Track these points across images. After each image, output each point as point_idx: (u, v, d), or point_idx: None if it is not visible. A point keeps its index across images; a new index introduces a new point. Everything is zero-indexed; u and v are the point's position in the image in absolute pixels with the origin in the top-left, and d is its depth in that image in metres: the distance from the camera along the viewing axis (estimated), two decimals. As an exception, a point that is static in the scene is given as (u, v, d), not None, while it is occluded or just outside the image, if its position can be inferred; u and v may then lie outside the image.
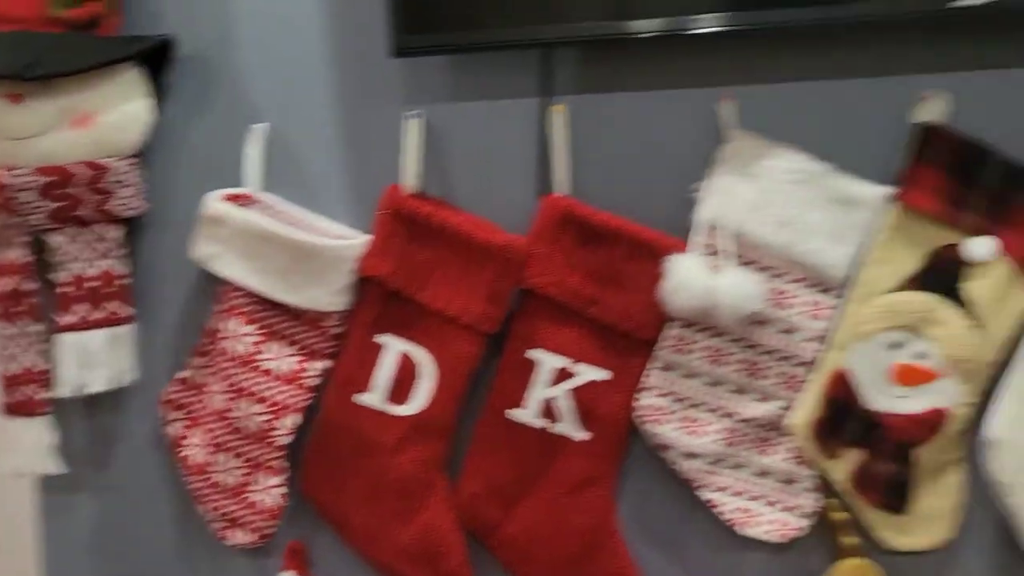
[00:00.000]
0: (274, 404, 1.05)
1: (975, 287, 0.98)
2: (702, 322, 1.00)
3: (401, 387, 1.05)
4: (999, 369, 0.98)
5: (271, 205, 1.07)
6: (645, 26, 0.96)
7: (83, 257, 1.04)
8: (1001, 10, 0.90)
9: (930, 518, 1.01)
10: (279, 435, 1.05)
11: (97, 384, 1.05)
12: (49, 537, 1.16)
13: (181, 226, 1.08)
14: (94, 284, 1.05)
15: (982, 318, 0.98)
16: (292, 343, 1.06)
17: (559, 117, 1.03)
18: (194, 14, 1.07)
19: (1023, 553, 0.99)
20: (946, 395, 0.99)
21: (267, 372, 1.05)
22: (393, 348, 1.05)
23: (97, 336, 1.05)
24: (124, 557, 1.14)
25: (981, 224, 0.97)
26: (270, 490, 1.06)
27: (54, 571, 1.16)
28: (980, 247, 0.97)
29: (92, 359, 1.05)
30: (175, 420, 1.09)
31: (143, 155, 1.06)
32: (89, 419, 1.13)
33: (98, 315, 1.05)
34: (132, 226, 1.08)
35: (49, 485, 1.14)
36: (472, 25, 0.99)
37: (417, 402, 1.05)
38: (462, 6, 0.98)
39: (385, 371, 1.05)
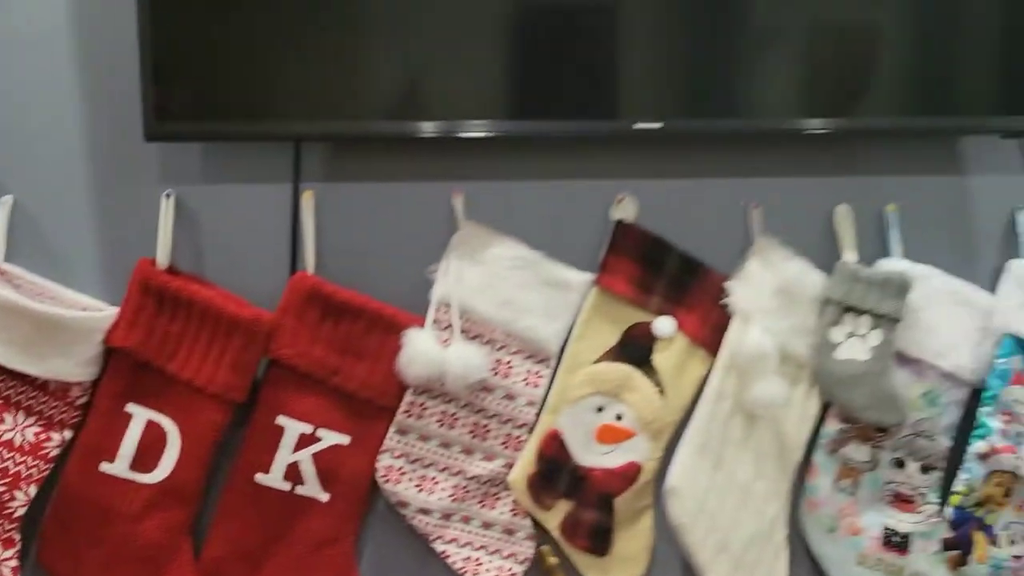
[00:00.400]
0: (10, 475, 1.04)
1: (660, 359, 1.16)
2: (434, 390, 1.11)
3: (147, 455, 1.07)
4: (680, 427, 1.18)
5: (16, 276, 1.07)
6: (387, 128, 1.07)
7: None
8: (674, 132, 1.10)
9: (627, 558, 1.16)
10: (15, 506, 1.04)
11: None
12: None
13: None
14: None
15: (666, 385, 1.16)
16: (33, 413, 1.05)
17: (308, 202, 1.11)
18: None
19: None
20: (639, 451, 1.15)
21: (6, 443, 1.04)
22: (140, 417, 1.07)
23: None
24: None
25: (664, 305, 1.16)
26: (4, 563, 1.05)
27: None
28: (663, 325, 1.16)
29: None
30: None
31: None
32: None
33: None
34: None
35: None
36: (226, 115, 1.06)
37: (163, 470, 1.07)
38: (214, 97, 1.05)
39: (131, 440, 1.07)
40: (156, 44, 1.02)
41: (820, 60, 1.09)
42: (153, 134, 1.03)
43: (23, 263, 1.09)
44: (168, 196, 1.09)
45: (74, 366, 1.04)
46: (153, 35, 1.02)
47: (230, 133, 1.07)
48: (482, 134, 1.07)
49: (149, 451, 1.07)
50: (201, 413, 1.07)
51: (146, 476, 1.07)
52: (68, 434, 1.06)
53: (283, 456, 1.09)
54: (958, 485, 1.14)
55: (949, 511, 1.14)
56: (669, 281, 1.15)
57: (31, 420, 1.05)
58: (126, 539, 1.07)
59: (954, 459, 1.16)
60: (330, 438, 1.10)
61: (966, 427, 1.16)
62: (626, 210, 1.15)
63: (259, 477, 1.09)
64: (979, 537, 1.14)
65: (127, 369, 1.07)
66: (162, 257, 1.08)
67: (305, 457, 1.09)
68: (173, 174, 1.10)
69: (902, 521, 1.15)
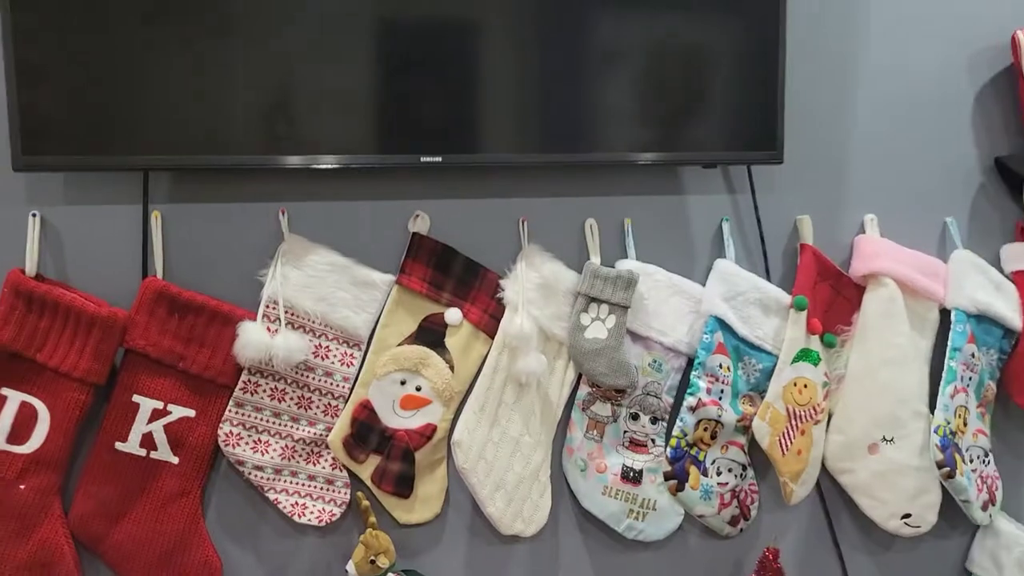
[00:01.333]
0: None
1: (450, 341, 1.41)
2: (265, 369, 1.32)
3: (21, 430, 1.24)
4: (465, 395, 1.42)
5: None
6: (218, 160, 1.26)
7: None
8: (452, 164, 1.32)
9: (427, 499, 1.40)
10: None
11: None
12: None
13: None
14: None
15: (455, 362, 1.41)
16: None
17: (156, 221, 1.30)
18: None
19: (486, 520, 1.42)
20: (434, 415, 1.40)
21: None
22: (14, 398, 1.24)
23: None
24: None
25: (452, 299, 1.40)
26: None
27: None
28: (452, 315, 1.41)
29: None
30: None
31: None
32: None
33: None
34: None
35: None
36: (84, 149, 1.23)
37: (34, 442, 1.25)
38: (74, 133, 1.21)
39: (6, 417, 1.23)
40: (20, 88, 1.19)
41: (565, 106, 1.36)
42: (19, 165, 1.21)
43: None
44: (34, 216, 1.27)
45: (-45, 357, 1.22)
46: (18, 81, 1.19)
47: (87, 164, 1.24)
48: (300, 165, 1.29)
49: (22, 427, 1.24)
50: (66, 394, 1.25)
51: (20, 447, 1.24)
52: (-51, 416, 1.24)
53: (139, 427, 1.28)
54: (675, 431, 1.44)
55: (669, 451, 1.45)
56: (456, 280, 1.40)
57: (-84, 404, 1.22)
58: (4, 500, 1.23)
59: (674, 413, 1.48)
60: (178, 411, 1.30)
61: (683, 387, 1.47)
62: (420, 224, 1.39)
63: (118, 445, 1.28)
64: (692, 470, 1.45)
65: (2, 359, 1.23)
66: (30, 266, 1.26)
67: (157, 428, 1.29)
68: (38, 197, 1.27)
69: (636, 460, 1.44)
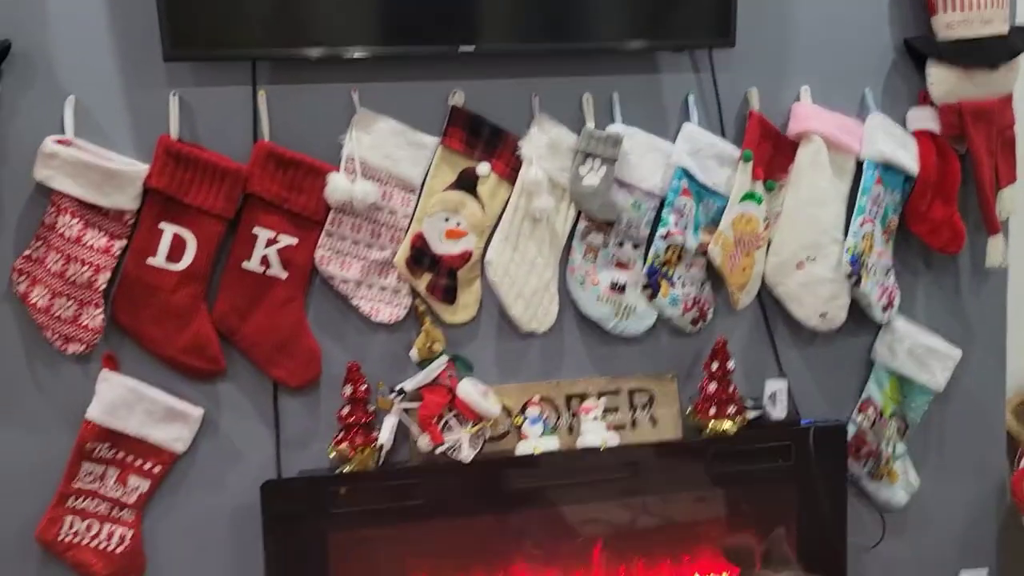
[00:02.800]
0: (95, 266, 1.62)
1: (481, 189, 1.81)
2: (347, 209, 1.73)
3: (175, 253, 1.67)
4: (493, 229, 1.82)
5: (83, 146, 1.62)
6: (308, 51, 1.64)
7: (-43, 179, 1.53)
8: (483, 52, 1.71)
9: (465, 306, 1.83)
10: (99, 284, 1.63)
11: (-29, 259, 1.55)
12: None
13: (21, 160, 1.59)
14: (-36, 196, 1.54)
15: (485, 204, 1.82)
16: (102, 230, 1.63)
17: (262, 98, 1.69)
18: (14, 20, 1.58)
19: (510, 320, 1.85)
20: (470, 244, 1.81)
21: (90, 247, 1.61)
22: (169, 230, 1.66)
23: (-31, 229, 1.55)
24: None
25: (482, 156, 1.80)
26: (94, 317, 1.63)
27: None
28: (482, 168, 1.80)
29: (-33, 244, 1.54)
30: (20, 282, 1.61)
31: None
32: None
33: (-32, 216, 1.54)
34: (-14, 160, 1.58)
35: None
36: (211, 43, 1.61)
37: (185, 261, 1.67)
38: (201, 32, 1.60)
39: (164, 244, 1.66)
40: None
41: (566, 4, 1.72)
42: (168, 56, 1.59)
43: (84, 138, 1.63)
44: (174, 95, 1.66)
45: (126, 199, 1.62)
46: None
47: (212, 55, 1.64)
48: (367, 54, 1.67)
49: (176, 251, 1.66)
50: (207, 226, 1.67)
51: (175, 266, 1.67)
52: (123, 242, 1.65)
53: (258, 251, 1.70)
54: (651, 254, 1.86)
55: (646, 269, 1.87)
56: (485, 141, 1.79)
57: (101, 234, 1.63)
58: (166, 303, 1.67)
59: (650, 240, 1.89)
60: (285, 240, 1.71)
61: (656, 221, 1.87)
62: (457, 99, 1.78)
63: (244, 264, 1.71)
64: (663, 283, 1.87)
65: (159, 201, 1.65)
66: (174, 133, 1.65)
67: (271, 251, 1.71)
68: (176, 81, 1.66)
69: (621, 276, 1.86)
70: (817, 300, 1.92)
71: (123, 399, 1.68)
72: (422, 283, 1.80)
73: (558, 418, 1.88)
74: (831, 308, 1.93)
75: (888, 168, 1.92)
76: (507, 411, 1.85)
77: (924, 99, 1.95)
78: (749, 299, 1.92)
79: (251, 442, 1.77)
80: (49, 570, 1.70)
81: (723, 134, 1.89)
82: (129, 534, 1.71)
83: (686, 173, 1.84)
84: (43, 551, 1.68)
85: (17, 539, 1.68)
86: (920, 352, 1.99)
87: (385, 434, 1.75)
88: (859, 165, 1.93)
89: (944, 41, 1.91)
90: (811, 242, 1.90)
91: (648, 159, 1.84)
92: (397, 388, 1.76)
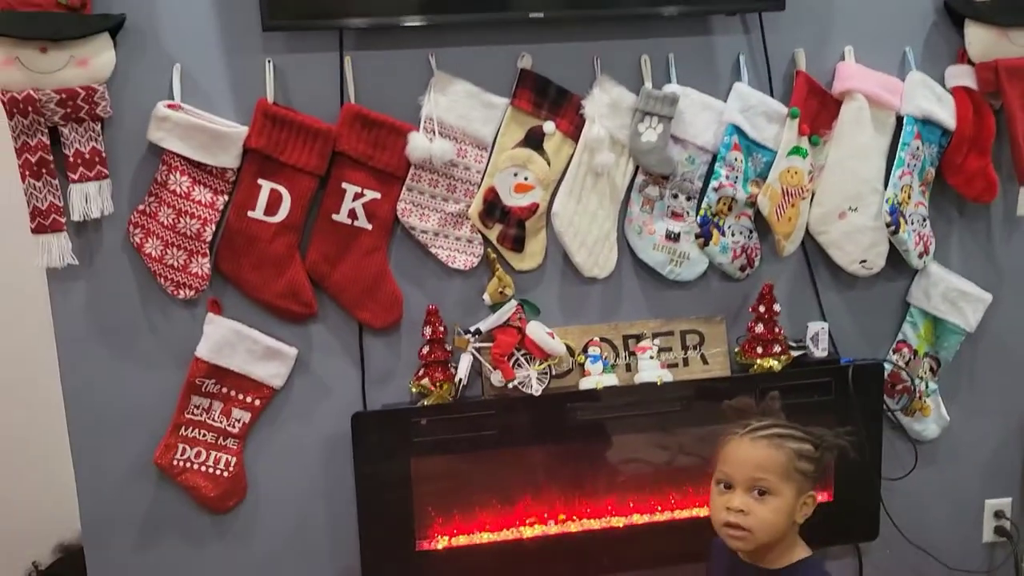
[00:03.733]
0: (202, 219, 1.77)
1: (547, 145, 1.93)
2: (426, 166, 1.86)
3: (272, 207, 1.81)
4: (558, 183, 1.95)
5: (189, 110, 1.77)
6: (388, 20, 1.77)
7: (81, 140, 1.67)
8: (550, 19, 1.83)
9: (533, 254, 1.97)
10: (206, 235, 1.78)
11: (94, 213, 1.70)
12: (57, 309, 1.79)
13: (135, 123, 1.74)
14: (87, 156, 1.69)
15: (551, 160, 1.94)
16: (208, 186, 1.78)
17: (348, 63, 1.82)
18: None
19: (573, 267, 1.99)
20: (537, 197, 1.94)
21: (198, 201, 1.76)
22: (266, 186, 1.80)
23: (92, 186, 1.70)
24: (108, 313, 1.81)
25: (548, 115, 1.92)
26: (202, 266, 1.79)
27: (63, 325, 1.79)
28: (548, 127, 1.93)
29: (91, 199, 1.69)
30: (136, 233, 1.77)
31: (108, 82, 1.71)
32: (83, 235, 1.77)
33: (91, 173, 1.69)
34: (105, 123, 1.72)
35: (59, 275, 1.75)
36: (302, 14, 1.74)
37: (282, 214, 1.82)
38: (294, 4, 1.73)
39: (263, 199, 1.81)
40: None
41: None
42: (267, 26, 1.72)
43: (189, 103, 1.78)
44: (269, 62, 1.79)
45: (229, 158, 1.77)
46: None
47: (303, 25, 1.77)
48: (442, 22, 1.79)
49: (273, 205, 1.81)
50: (301, 182, 1.81)
51: (273, 218, 1.82)
52: (226, 198, 1.80)
53: (346, 204, 1.85)
54: (703, 205, 1.99)
55: (698, 219, 1.99)
56: (551, 102, 1.91)
57: (207, 190, 1.78)
58: (264, 252, 1.82)
59: (702, 192, 2.01)
60: (370, 194, 1.86)
61: (709, 175, 1.99)
62: (526, 62, 1.90)
63: (333, 216, 1.85)
64: (715, 232, 2.00)
65: (258, 160, 1.79)
66: (269, 96, 1.79)
67: (358, 205, 1.85)
68: (270, 48, 1.80)
69: (675, 226, 2.00)
70: (858, 247, 2.04)
71: (227, 339, 1.84)
72: (493, 233, 1.94)
73: (616, 357, 2.03)
74: (871, 255, 2.05)
75: (927, 123, 2.02)
76: (570, 350, 2.00)
77: (962, 58, 2.05)
78: (794, 247, 2.04)
79: (339, 379, 1.94)
80: (165, 491, 1.89)
81: (771, 93, 1.99)
82: (233, 460, 1.89)
83: (737, 129, 1.95)
84: (159, 474, 1.87)
85: (138, 463, 1.87)
86: (953, 295, 2.11)
87: (462, 370, 1.91)
88: (899, 121, 2.03)
89: (982, 2, 2.00)
90: (853, 193, 2.02)
91: (702, 117, 1.96)
92: (472, 329, 1.92)
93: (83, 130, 1.68)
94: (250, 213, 1.80)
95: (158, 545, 1.90)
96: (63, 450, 1.85)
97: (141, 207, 1.77)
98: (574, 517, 2.02)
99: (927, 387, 2.16)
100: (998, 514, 2.29)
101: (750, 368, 2.02)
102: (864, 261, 2.05)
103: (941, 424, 2.19)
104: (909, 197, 2.04)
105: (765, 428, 1.56)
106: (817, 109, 2.00)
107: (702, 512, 2.02)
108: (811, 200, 2.03)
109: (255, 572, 1.96)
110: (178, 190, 1.75)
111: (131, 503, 1.88)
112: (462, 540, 1.97)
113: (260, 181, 1.80)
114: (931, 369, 2.17)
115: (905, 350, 2.14)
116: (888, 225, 2.01)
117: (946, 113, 2.03)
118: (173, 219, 1.76)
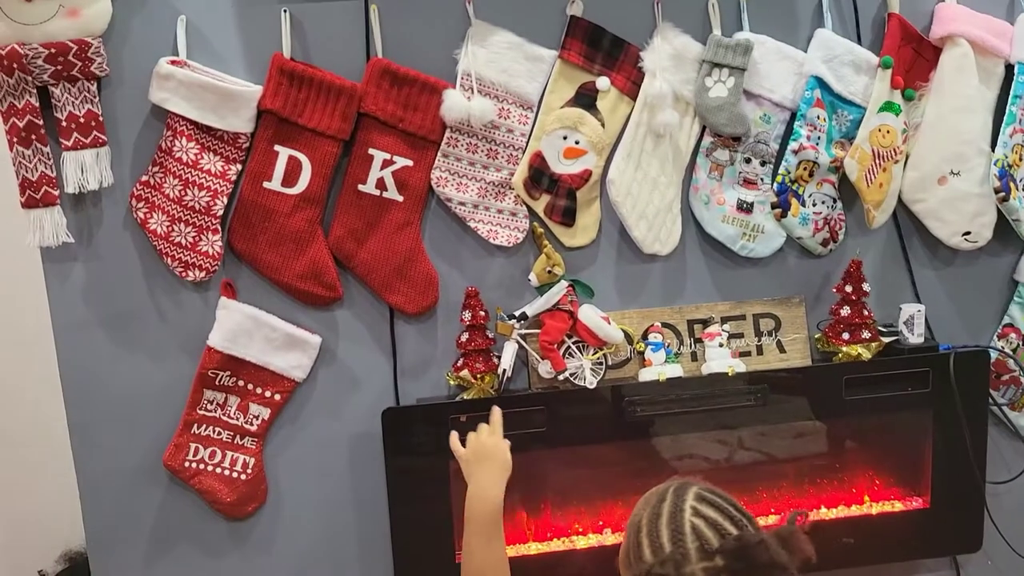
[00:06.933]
0: (212, 190, 1.58)
1: (601, 104, 1.71)
2: (463, 128, 1.66)
3: (291, 176, 1.62)
4: (614, 147, 1.73)
5: (197, 67, 1.57)
6: None
7: (74, 102, 1.49)
8: None
9: (585, 228, 1.75)
10: (217, 209, 1.59)
11: (91, 184, 1.52)
12: (53, 294, 1.61)
13: (136, 82, 1.55)
14: (82, 120, 1.50)
15: (605, 120, 1.72)
16: (218, 153, 1.59)
17: (374, 13, 1.61)
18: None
19: (631, 243, 1.76)
20: (590, 163, 1.73)
21: (207, 171, 1.57)
22: (284, 153, 1.61)
23: (88, 154, 1.51)
24: (110, 298, 1.63)
25: (602, 70, 1.70)
26: (213, 244, 1.60)
27: (60, 312, 1.61)
28: (602, 82, 1.71)
29: (87, 168, 1.51)
30: (139, 208, 1.58)
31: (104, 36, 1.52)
32: (80, 210, 1.59)
33: (87, 140, 1.51)
34: (102, 83, 1.54)
35: (54, 255, 1.58)
36: None
37: (301, 185, 1.62)
38: None
39: (280, 167, 1.61)
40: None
41: None
42: (280, -30, 1.52)
43: (195, 59, 1.58)
44: (285, 11, 1.59)
45: (241, 122, 1.57)
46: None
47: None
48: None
49: (291, 174, 1.61)
50: (323, 148, 1.61)
51: (291, 189, 1.62)
52: (239, 167, 1.60)
53: (374, 173, 1.64)
54: (780, 170, 1.75)
55: (775, 186, 1.76)
56: (605, 54, 1.69)
57: (217, 158, 1.58)
58: (283, 228, 1.63)
59: (779, 156, 1.77)
60: (401, 161, 1.65)
61: (786, 136, 1.76)
62: (576, 8, 1.68)
63: (360, 187, 1.65)
64: (793, 201, 1.76)
65: (274, 123, 1.59)
66: (286, 51, 1.59)
67: (387, 173, 1.65)
68: (287, -3, 1.61)
69: (748, 195, 1.76)
70: (960, 217, 1.78)
71: (243, 327, 1.65)
72: (540, 205, 1.72)
73: (681, 344, 1.80)
74: (975, 226, 1.79)
75: (1041, 72, 1.77)
76: (628, 337, 1.77)
77: (1083, -5, 1.78)
78: (885, 217, 1.79)
79: (368, 370, 1.73)
80: (176, 495, 1.70)
81: (859, 40, 1.74)
82: (252, 461, 1.70)
83: (819, 82, 1.70)
84: (170, 477, 1.68)
85: (146, 465, 1.68)
86: (1070, 272, 1.85)
87: (507, 360, 1.69)
88: (1008, 69, 1.76)
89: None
90: (955, 154, 1.75)
91: (779, 68, 1.71)
92: (518, 313, 1.70)
93: (77, 91, 1.49)
94: (266, 184, 1.60)
95: (170, 554, 1.71)
96: (68, 451, 1.68)
97: (144, 178, 1.58)
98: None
99: (1037, 378, 1.91)
100: (1116, 522, 2.03)
101: (834, 356, 1.78)
102: (967, 233, 1.79)
103: (1053, 420, 1.94)
104: (1021, 159, 1.77)
105: None
106: (913, 58, 1.74)
107: (771, 519, 1.81)
108: (905, 164, 1.78)
109: (278, 584, 1.79)
110: (185, 158, 1.56)
111: (139, 509, 1.69)
112: (507, 551, 1.77)
113: (277, 147, 1.60)
114: (1042, 357, 1.91)
115: (1013, 335, 1.87)
116: (997, 191, 1.74)
117: (1064, 60, 1.77)
118: (180, 191, 1.57)
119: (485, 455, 1.49)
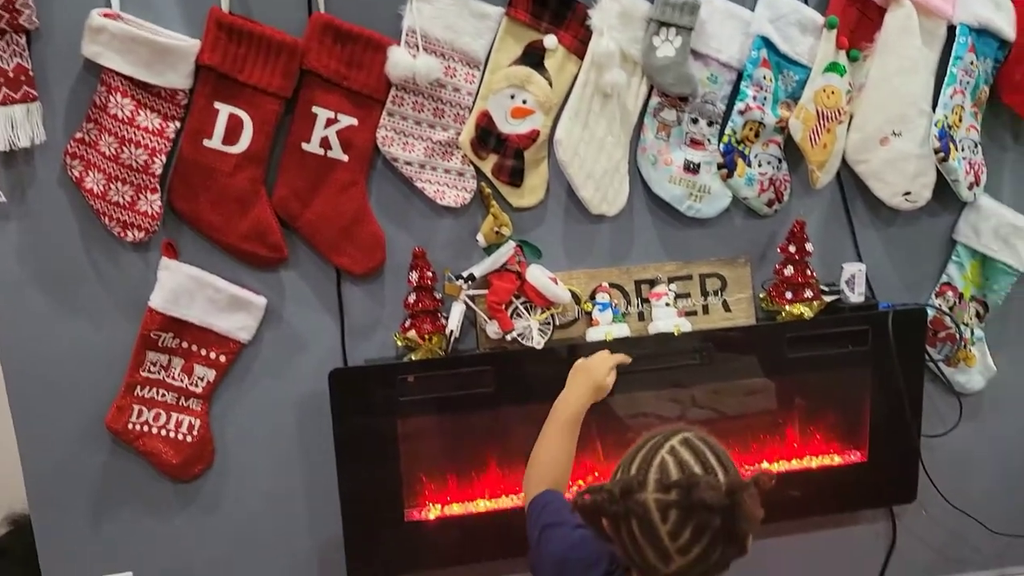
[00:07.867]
0: (149, 148, 1.53)
1: (549, 63, 1.69)
2: (409, 86, 1.62)
3: (232, 135, 1.57)
4: (561, 106, 1.71)
5: (130, 20, 1.51)
6: None
7: (2, 56, 1.43)
8: None
9: (533, 189, 1.73)
10: (155, 168, 1.54)
11: (23, 141, 1.46)
12: None
13: (67, 36, 1.48)
14: (11, 75, 1.44)
15: (553, 79, 1.70)
16: (155, 110, 1.54)
17: None
18: None
19: (578, 203, 1.75)
20: (538, 122, 1.70)
21: (144, 128, 1.52)
22: (224, 110, 1.56)
23: (18, 109, 1.45)
24: (46, 258, 1.58)
25: (550, 28, 1.67)
26: (152, 203, 1.56)
27: None
28: (550, 41, 1.68)
29: (17, 124, 1.45)
30: (74, 165, 1.53)
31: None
32: (12, 168, 1.53)
33: (16, 95, 1.45)
34: (31, 36, 1.47)
35: None
36: None
37: (243, 144, 1.58)
38: None
39: (220, 125, 1.56)
40: None
41: None
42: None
43: (129, 11, 1.51)
44: (223, -36, 1.54)
45: (179, 78, 1.52)
46: None
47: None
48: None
49: (232, 132, 1.57)
50: (264, 105, 1.56)
51: (233, 148, 1.57)
52: (177, 124, 1.55)
53: (318, 132, 1.60)
54: (727, 130, 1.74)
55: (721, 147, 1.75)
56: (552, 12, 1.66)
57: (154, 115, 1.53)
58: (225, 187, 1.59)
59: (726, 117, 1.77)
60: (345, 120, 1.61)
61: (733, 96, 1.75)
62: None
63: (304, 145, 1.61)
64: (739, 162, 1.76)
65: (212, 79, 1.54)
66: (225, 4, 1.53)
67: (331, 132, 1.61)
68: (224, -52, 1.54)
69: (695, 155, 1.75)
70: (902, 178, 1.80)
71: (185, 287, 1.61)
72: (488, 165, 1.70)
73: (628, 304, 1.81)
74: (916, 186, 1.81)
75: (982, 33, 1.76)
76: (576, 297, 1.77)
77: (1023, -40, 1.79)
78: (828, 178, 1.80)
79: (315, 331, 1.71)
80: (120, 457, 1.68)
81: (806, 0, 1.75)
82: (197, 423, 1.67)
83: (766, 42, 1.69)
84: (113, 439, 1.66)
85: (88, 428, 1.65)
86: (1006, 231, 1.86)
87: (454, 321, 1.68)
88: (951, 31, 1.77)
89: None
90: (897, 115, 1.76)
91: (726, 27, 1.70)
92: (465, 274, 1.69)
93: (4, 44, 1.42)
94: (206, 142, 1.56)
95: (116, 517, 1.69)
96: (7, 413, 1.64)
97: (79, 135, 1.53)
98: (580, 481, 1.82)
99: (972, 334, 1.93)
100: (1046, 473, 2.10)
101: (778, 316, 1.80)
102: (908, 193, 1.81)
103: (987, 375, 1.96)
104: (960, 120, 1.78)
105: None
106: (858, 18, 1.73)
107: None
108: (849, 124, 1.79)
109: (225, 544, 1.76)
110: (120, 115, 1.50)
111: (82, 470, 1.67)
112: (456, 509, 1.77)
113: (216, 104, 1.55)
114: (977, 314, 1.94)
115: (949, 293, 1.91)
116: (937, 152, 1.76)
117: (1005, 21, 1.77)
118: (116, 149, 1.52)
119: (587, 370, 1.64)
